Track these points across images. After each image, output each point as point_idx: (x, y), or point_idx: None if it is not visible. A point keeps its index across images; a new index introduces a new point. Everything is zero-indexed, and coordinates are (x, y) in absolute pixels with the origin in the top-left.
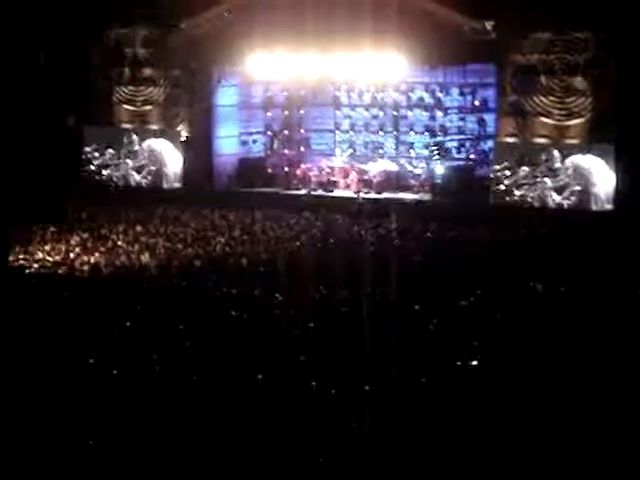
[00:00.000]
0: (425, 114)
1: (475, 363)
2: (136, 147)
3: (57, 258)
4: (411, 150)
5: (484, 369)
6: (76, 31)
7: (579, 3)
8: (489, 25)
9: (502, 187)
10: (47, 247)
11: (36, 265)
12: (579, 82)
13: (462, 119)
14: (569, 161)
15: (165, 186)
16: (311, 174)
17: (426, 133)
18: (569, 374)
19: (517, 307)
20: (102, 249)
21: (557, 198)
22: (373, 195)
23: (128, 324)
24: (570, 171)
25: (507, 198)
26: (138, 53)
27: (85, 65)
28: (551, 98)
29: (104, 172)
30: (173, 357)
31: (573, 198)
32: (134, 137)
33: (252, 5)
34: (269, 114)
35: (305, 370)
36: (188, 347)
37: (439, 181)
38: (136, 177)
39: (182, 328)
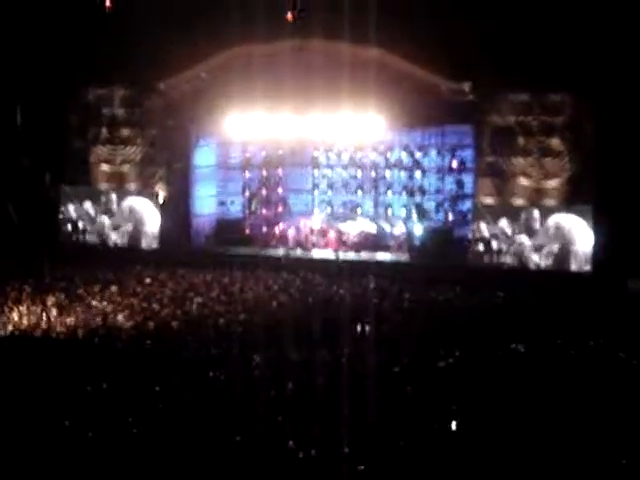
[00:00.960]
0: (403, 174)
1: (454, 426)
2: (114, 206)
3: (32, 319)
4: (389, 210)
5: (462, 432)
6: (54, 90)
7: (556, 65)
8: (467, 86)
9: (480, 248)
10: (22, 307)
11: (10, 327)
12: (556, 143)
13: (440, 180)
14: (547, 222)
15: (143, 246)
16: (289, 234)
17: (404, 193)
18: (547, 437)
19: (495, 369)
20: (78, 309)
21: (535, 259)
22: (351, 255)
23: (104, 386)
24: (548, 232)
25: (486, 259)
26: (116, 113)
27: (63, 125)
28: (529, 159)
29: (81, 231)
30: (149, 419)
31: (551, 259)
32: (112, 196)
33: (230, 66)
34: (247, 174)
35: (283, 432)
36: (164, 409)
37: (417, 242)
38: (113, 236)
39: (158, 390)
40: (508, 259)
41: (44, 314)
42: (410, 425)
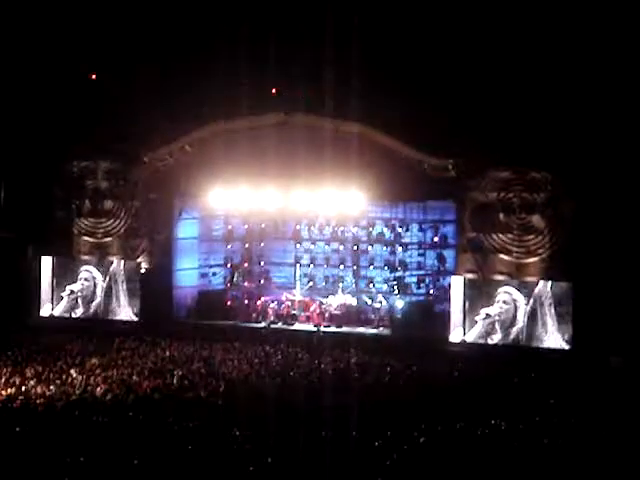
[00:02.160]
0: (385, 249)
1: None
2: (95, 278)
3: (10, 391)
4: (371, 284)
5: None
6: (36, 163)
7: (537, 144)
8: (449, 163)
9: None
10: (1, 380)
11: None
12: (537, 220)
13: (422, 254)
14: (524, 299)
15: (123, 317)
16: (271, 307)
17: (386, 268)
18: None
19: (477, 444)
20: (57, 381)
21: (513, 334)
22: (333, 329)
23: (81, 459)
24: (526, 308)
25: (467, 334)
26: (99, 185)
27: (45, 197)
28: (509, 235)
29: (61, 303)
30: None
31: (529, 334)
32: (93, 268)
33: (214, 140)
34: (229, 247)
35: None
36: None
37: (398, 316)
38: (93, 308)
39: (136, 463)
40: (488, 335)
41: (21, 386)
42: None
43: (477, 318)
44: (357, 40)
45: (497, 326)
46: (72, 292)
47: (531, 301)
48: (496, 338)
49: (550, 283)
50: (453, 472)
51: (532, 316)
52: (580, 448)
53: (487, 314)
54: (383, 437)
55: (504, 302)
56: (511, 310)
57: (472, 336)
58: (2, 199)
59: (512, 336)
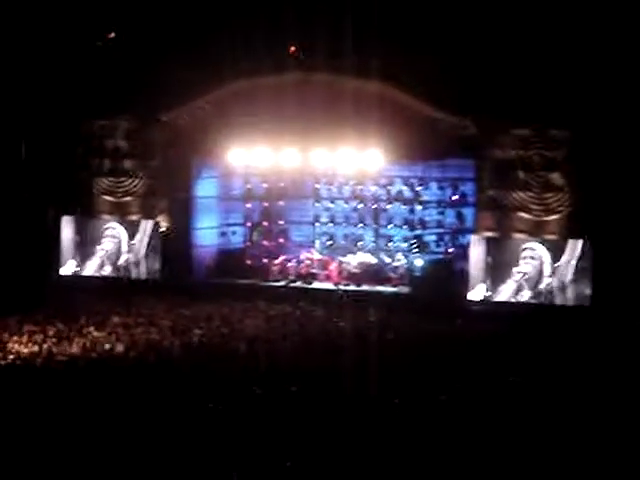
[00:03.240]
0: (404, 207)
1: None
2: (115, 237)
3: (34, 349)
4: (390, 243)
5: (465, 466)
6: (57, 122)
7: (556, 101)
8: (468, 121)
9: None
10: (24, 338)
11: (11, 356)
12: (556, 178)
13: (441, 213)
14: (546, 256)
15: (143, 277)
16: (290, 266)
17: (405, 226)
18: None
19: (496, 402)
20: (78, 340)
21: (539, 291)
22: (352, 287)
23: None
24: (547, 266)
25: (488, 292)
26: (119, 144)
27: (66, 156)
28: (529, 193)
29: (82, 262)
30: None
31: (550, 293)
32: (113, 227)
33: (232, 99)
34: (248, 206)
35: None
36: (162, 439)
37: (418, 274)
38: (113, 267)
39: (156, 420)
40: (508, 293)
41: (43, 344)
42: (412, 458)
43: (513, 279)
44: None
45: (525, 284)
46: (106, 251)
47: (554, 258)
48: (525, 295)
49: (575, 241)
50: (473, 430)
51: (556, 273)
52: (597, 406)
53: (523, 272)
54: (402, 395)
55: (532, 257)
56: (537, 266)
57: (504, 295)
58: (23, 159)
59: (538, 293)
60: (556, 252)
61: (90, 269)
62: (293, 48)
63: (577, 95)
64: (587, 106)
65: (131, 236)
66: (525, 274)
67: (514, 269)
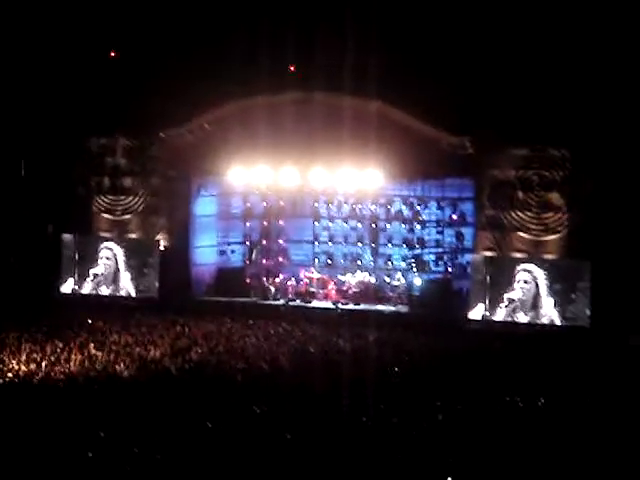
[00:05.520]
0: (403, 227)
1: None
2: (115, 256)
3: (31, 367)
4: (389, 262)
5: None
6: (57, 140)
7: (556, 120)
8: (467, 141)
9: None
10: (21, 356)
11: (10, 374)
12: (555, 198)
13: (440, 232)
14: (544, 277)
15: (143, 295)
16: (289, 284)
17: (404, 245)
18: None
19: (495, 422)
20: (75, 358)
21: (536, 313)
22: (351, 306)
23: (101, 434)
24: (546, 287)
25: (486, 312)
26: (119, 162)
27: (65, 174)
28: (528, 213)
29: (80, 281)
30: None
31: (549, 314)
32: (112, 245)
33: (232, 117)
34: (248, 224)
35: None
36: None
37: (417, 293)
38: (112, 286)
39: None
40: (506, 313)
41: (41, 362)
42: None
43: (501, 305)
44: (376, 18)
45: (520, 307)
46: (95, 276)
47: (552, 279)
48: (521, 318)
49: (569, 261)
50: (470, 448)
51: (553, 294)
52: (596, 426)
53: (510, 299)
54: (401, 414)
55: (525, 282)
56: (532, 289)
57: (497, 318)
58: (23, 176)
59: (535, 315)
60: (554, 272)
61: (87, 288)
62: (293, 67)
63: (576, 115)
64: (586, 126)
65: (129, 255)
66: (513, 301)
67: (504, 295)
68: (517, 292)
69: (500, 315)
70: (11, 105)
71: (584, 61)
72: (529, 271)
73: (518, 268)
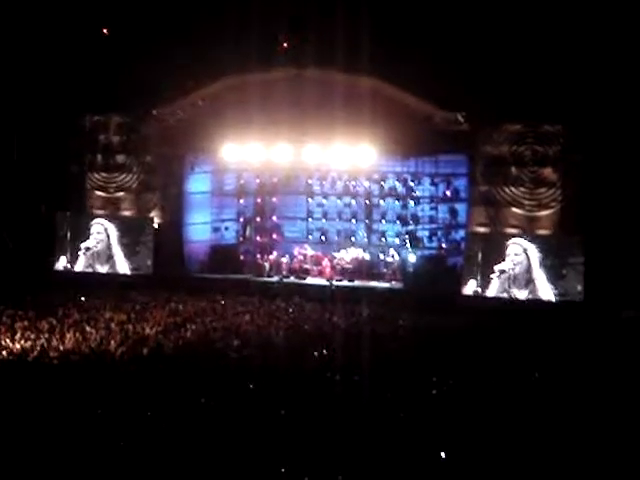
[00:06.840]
0: (397, 203)
1: (444, 455)
2: (107, 233)
3: (25, 345)
4: (383, 238)
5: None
6: (50, 117)
7: (549, 96)
8: (460, 116)
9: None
10: (15, 334)
11: (4, 352)
12: (549, 173)
13: (434, 208)
14: (538, 252)
15: (136, 272)
16: (283, 261)
17: (398, 222)
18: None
19: (488, 397)
20: (69, 335)
21: (529, 287)
22: (345, 283)
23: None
24: (540, 262)
25: (479, 288)
26: (112, 139)
27: (58, 152)
28: (521, 189)
29: (73, 258)
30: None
31: (541, 289)
32: (102, 221)
33: (225, 94)
34: (241, 201)
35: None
36: (156, 434)
37: (410, 269)
38: (109, 262)
39: (150, 415)
40: (499, 288)
41: (37, 340)
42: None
43: (492, 275)
44: None
45: (512, 280)
46: (87, 249)
47: (545, 254)
48: (515, 292)
49: (562, 236)
50: (464, 424)
51: (545, 269)
52: (589, 401)
53: (501, 270)
54: (395, 390)
55: (515, 254)
56: (524, 261)
57: (491, 292)
58: (16, 155)
59: (529, 289)
60: (547, 247)
61: (80, 265)
62: (285, 44)
63: (570, 90)
64: (580, 101)
65: (123, 232)
66: (504, 272)
67: (495, 267)
68: (507, 263)
69: (493, 290)
70: (3, 83)
71: (577, 37)
72: (519, 244)
73: (508, 242)
